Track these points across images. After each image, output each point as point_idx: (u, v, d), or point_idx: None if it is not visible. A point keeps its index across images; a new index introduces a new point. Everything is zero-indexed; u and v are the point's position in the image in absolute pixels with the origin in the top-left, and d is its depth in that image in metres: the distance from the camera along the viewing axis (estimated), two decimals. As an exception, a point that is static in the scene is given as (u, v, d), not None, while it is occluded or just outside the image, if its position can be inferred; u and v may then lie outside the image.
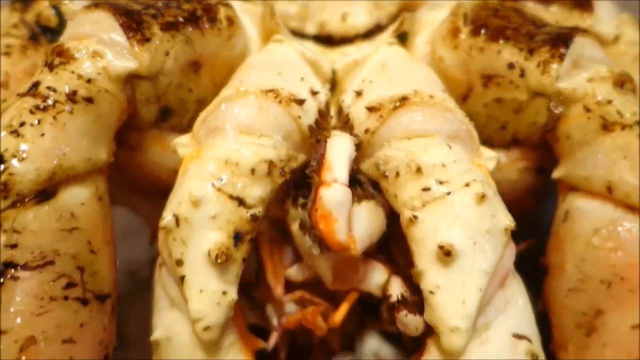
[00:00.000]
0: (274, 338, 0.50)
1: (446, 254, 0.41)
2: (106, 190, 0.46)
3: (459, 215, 0.42)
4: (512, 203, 0.46)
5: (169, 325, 0.45)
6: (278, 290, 0.49)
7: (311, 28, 0.55)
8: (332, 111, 0.50)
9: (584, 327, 0.44)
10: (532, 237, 0.50)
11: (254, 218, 0.43)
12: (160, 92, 0.48)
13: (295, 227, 0.47)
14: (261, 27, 0.54)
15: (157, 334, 0.45)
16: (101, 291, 0.42)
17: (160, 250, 0.45)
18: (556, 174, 0.48)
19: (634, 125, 0.45)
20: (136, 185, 0.52)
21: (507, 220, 0.43)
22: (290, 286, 0.49)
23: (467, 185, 0.43)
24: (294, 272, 0.49)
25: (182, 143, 0.46)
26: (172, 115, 0.50)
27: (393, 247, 0.49)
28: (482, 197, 0.42)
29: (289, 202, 0.48)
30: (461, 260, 0.41)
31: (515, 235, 0.45)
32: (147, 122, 0.49)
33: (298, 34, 0.55)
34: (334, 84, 0.52)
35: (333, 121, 0.49)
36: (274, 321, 0.50)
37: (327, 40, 0.55)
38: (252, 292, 0.51)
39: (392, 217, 0.46)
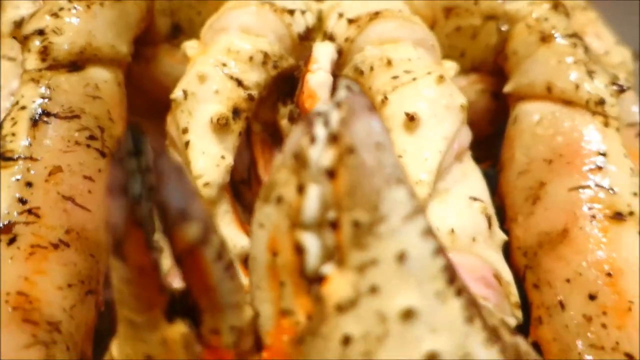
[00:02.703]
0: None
1: (411, 119, 0.49)
2: (123, 82, 0.53)
3: (422, 94, 0.50)
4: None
5: (171, 196, 0.51)
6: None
7: (302, -13, 0.65)
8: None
9: (531, 199, 0.51)
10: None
11: (250, 97, 0.51)
12: (175, 7, 0.57)
13: (284, 122, 0.55)
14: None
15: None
16: (117, 153, 0.49)
17: (168, 130, 0.52)
18: (507, 88, 0.57)
19: (565, 37, 0.54)
20: (146, 100, 0.60)
21: (462, 99, 0.51)
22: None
23: (429, 73, 0.51)
24: (282, 169, 0.56)
25: (191, 46, 0.55)
26: (181, 33, 0.58)
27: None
28: (441, 78, 0.50)
29: (279, 103, 0.56)
30: (424, 129, 0.49)
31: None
32: (161, 35, 0.58)
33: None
34: (320, 21, 0.61)
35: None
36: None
37: (315, -4, 0.65)
38: (244, 194, 0.57)
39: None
